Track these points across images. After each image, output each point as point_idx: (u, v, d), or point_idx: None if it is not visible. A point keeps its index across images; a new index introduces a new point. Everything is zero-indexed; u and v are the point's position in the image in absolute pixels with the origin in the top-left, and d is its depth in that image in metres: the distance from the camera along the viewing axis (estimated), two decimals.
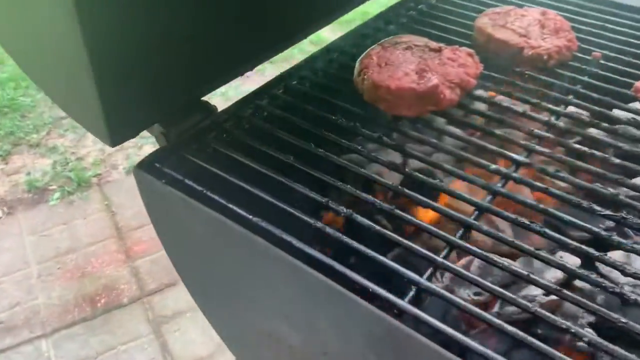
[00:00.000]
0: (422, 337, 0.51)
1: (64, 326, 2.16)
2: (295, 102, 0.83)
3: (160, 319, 2.17)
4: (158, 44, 0.67)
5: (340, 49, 0.94)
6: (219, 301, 0.78)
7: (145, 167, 0.70)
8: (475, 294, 0.79)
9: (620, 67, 0.88)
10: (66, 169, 2.61)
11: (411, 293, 0.57)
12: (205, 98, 0.80)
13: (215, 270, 0.73)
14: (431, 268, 0.60)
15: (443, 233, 0.63)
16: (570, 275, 0.61)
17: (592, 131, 0.78)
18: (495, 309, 0.78)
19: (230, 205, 0.65)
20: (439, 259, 0.60)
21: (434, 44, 0.86)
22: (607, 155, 0.72)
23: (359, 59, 0.83)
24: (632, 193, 0.74)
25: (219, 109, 0.81)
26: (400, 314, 0.55)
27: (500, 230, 0.83)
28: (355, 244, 0.60)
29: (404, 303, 0.55)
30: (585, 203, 0.66)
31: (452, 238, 0.62)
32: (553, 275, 0.77)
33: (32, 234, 2.35)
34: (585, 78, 0.87)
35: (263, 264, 0.62)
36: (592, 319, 0.79)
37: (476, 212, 0.67)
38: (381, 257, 0.59)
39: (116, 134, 0.69)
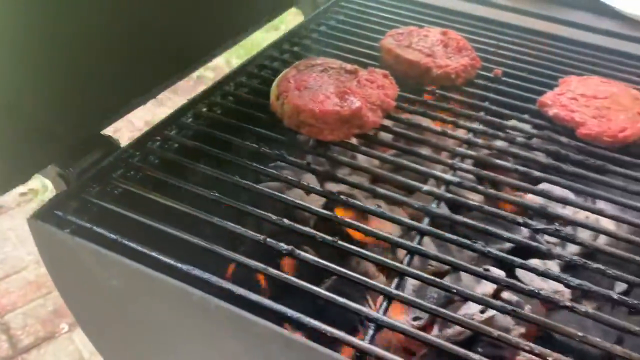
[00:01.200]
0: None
1: None
2: (207, 130, 0.76)
3: None
4: (46, 75, 0.58)
5: (247, 72, 0.89)
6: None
7: (43, 216, 0.59)
8: (414, 319, 0.77)
9: (520, 82, 0.92)
10: None
11: (371, 332, 0.53)
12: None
13: (136, 328, 0.63)
14: (386, 300, 0.56)
15: (386, 260, 0.60)
16: (502, 286, 0.60)
17: (502, 144, 0.80)
18: (435, 332, 0.76)
19: (153, 254, 0.56)
20: (393, 290, 0.57)
21: (349, 66, 0.83)
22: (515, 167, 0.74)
23: (275, 83, 0.78)
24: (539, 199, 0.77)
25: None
26: (361, 355, 0.51)
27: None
28: (297, 281, 0.55)
29: (365, 344, 0.51)
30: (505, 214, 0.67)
31: (392, 262, 0.60)
32: (483, 290, 0.78)
33: None
34: (492, 94, 0.89)
35: (201, 316, 0.55)
36: (523, 330, 0.81)
37: (418, 236, 0.64)
38: (327, 293, 0.54)
39: (1, 180, 0.58)
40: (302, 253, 0.58)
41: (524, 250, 0.68)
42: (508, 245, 0.76)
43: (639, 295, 0.64)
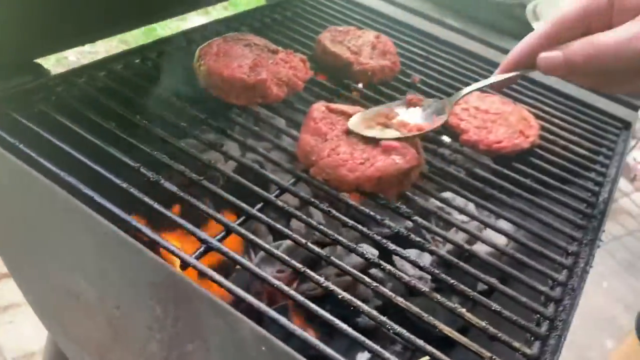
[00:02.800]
0: (199, 287, 0.56)
1: None
2: (135, 79, 0.86)
3: None
4: None
5: (190, 38, 1.00)
6: (26, 262, 0.78)
7: None
8: (278, 271, 0.86)
9: (430, 90, 1.01)
10: None
11: (200, 249, 0.62)
12: None
13: (22, 227, 0.74)
14: (224, 231, 0.65)
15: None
16: (369, 262, 0.66)
17: None
18: (294, 286, 0.86)
19: (40, 159, 0.66)
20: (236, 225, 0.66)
21: (272, 46, 0.93)
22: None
23: (199, 47, 0.88)
24: (438, 204, 0.85)
25: None
26: (184, 266, 0.60)
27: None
28: (146, 199, 0.64)
29: (188, 257, 0.60)
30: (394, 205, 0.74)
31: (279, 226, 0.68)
32: (352, 261, 0.86)
33: None
34: (402, 96, 0.98)
35: (64, 216, 0.65)
36: (379, 302, 0.89)
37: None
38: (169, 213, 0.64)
39: None
40: (167, 182, 0.68)
41: (403, 240, 0.73)
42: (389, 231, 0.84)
43: (497, 298, 0.73)
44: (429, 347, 0.58)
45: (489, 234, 0.93)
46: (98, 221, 0.60)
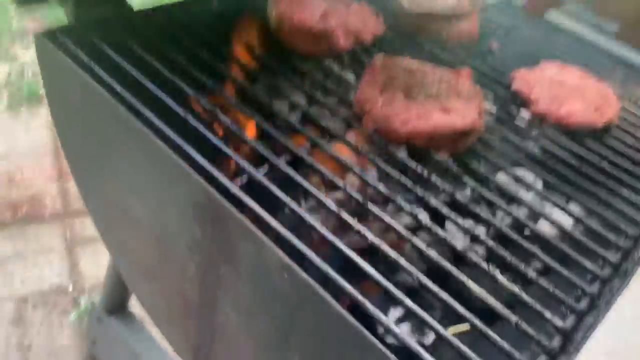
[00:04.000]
0: (233, 209, 0.58)
1: None
2: (212, 20, 0.89)
3: (77, 240, 2.20)
4: None
5: None
6: (94, 179, 0.84)
7: (50, 37, 0.75)
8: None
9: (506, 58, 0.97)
10: (21, 81, 2.61)
11: (244, 179, 0.64)
12: None
13: (90, 143, 0.79)
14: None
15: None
16: (418, 225, 0.67)
17: None
18: None
19: (109, 79, 0.70)
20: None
21: None
22: None
23: None
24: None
25: None
26: (224, 191, 0.62)
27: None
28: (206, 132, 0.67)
29: (233, 186, 0.62)
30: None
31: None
32: (400, 221, 0.86)
33: None
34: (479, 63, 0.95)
35: (125, 136, 0.69)
36: (423, 267, 0.88)
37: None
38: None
39: None
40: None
41: (459, 208, 0.71)
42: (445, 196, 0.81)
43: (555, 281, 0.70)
44: (469, 315, 0.57)
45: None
46: (153, 141, 0.63)
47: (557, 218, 0.71)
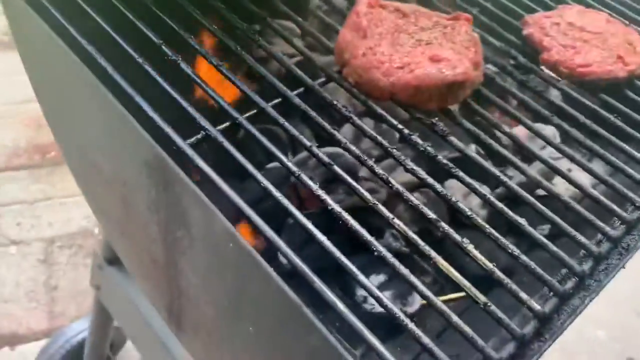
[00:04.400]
0: (182, 173, 0.53)
1: (10, 168, 2.23)
2: None
3: None
4: None
5: None
6: (65, 131, 0.81)
7: None
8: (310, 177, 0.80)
9: None
10: None
11: (199, 136, 0.59)
12: None
13: (56, 93, 0.75)
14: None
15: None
16: (420, 182, 0.60)
17: None
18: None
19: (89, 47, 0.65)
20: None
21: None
22: None
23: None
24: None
25: None
26: (178, 151, 0.57)
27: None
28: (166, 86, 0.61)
29: (183, 145, 0.57)
30: None
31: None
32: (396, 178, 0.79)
33: (2, 75, 2.37)
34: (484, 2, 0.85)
35: (80, 87, 0.64)
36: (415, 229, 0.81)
37: None
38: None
39: None
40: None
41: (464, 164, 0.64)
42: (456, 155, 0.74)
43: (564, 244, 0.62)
44: (465, 282, 0.51)
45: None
46: (103, 93, 0.58)
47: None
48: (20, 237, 1.98)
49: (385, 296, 0.49)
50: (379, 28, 0.68)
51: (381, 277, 0.76)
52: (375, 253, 0.51)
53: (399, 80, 0.64)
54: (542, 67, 0.75)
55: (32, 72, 0.78)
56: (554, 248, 0.54)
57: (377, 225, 0.72)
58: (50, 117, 0.81)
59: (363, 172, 0.82)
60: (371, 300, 0.71)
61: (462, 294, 0.51)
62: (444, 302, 0.51)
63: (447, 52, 0.66)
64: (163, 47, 0.66)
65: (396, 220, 0.54)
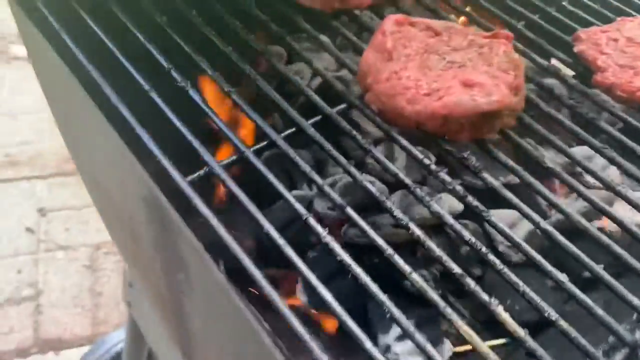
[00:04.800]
0: (176, 215, 0.49)
1: (61, 173, 2.27)
2: None
3: None
4: None
5: None
6: (75, 144, 0.78)
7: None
8: (329, 208, 0.75)
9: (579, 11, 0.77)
10: None
11: (201, 172, 0.54)
12: None
13: (63, 105, 0.72)
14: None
15: None
16: (443, 221, 0.53)
17: None
18: (344, 228, 0.74)
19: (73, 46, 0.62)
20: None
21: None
22: None
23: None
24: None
25: None
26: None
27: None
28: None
29: (182, 182, 0.52)
30: None
31: None
32: (423, 213, 0.72)
33: None
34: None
35: (87, 116, 0.61)
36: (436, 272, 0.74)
37: None
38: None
39: None
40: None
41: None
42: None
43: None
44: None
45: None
46: (107, 126, 0.55)
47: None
48: (68, 242, 2.01)
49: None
50: (406, 49, 0.62)
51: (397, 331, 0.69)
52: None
53: (425, 109, 0.57)
54: (596, 90, 0.66)
55: (42, 81, 0.76)
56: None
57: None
58: (65, 138, 0.79)
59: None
60: (395, 349, 0.65)
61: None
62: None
63: (481, 76, 0.58)
64: (172, 72, 0.62)
65: (414, 276, 0.48)
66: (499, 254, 0.69)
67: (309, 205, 0.75)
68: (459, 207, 0.71)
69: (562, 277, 0.49)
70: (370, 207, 0.72)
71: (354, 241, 0.69)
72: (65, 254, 1.98)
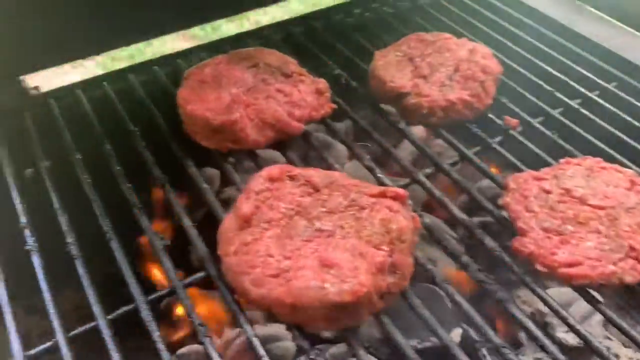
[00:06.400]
0: None
1: None
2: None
3: None
4: None
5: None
6: None
7: None
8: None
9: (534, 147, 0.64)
10: None
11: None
12: None
13: None
14: None
15: None
16: None
17: None
18: None
19: None
20: None
21: (290, 68, 0.70)
22: None
23: (188, 70, 0.71)
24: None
25: None
26: None
27: None
28: None
29: None
30: None
31: None
32: None
33: None
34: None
35: None
36: None
37: None
38: None
39: None
40: None
41: None
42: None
43: None
44: None
45: None
46: None
47: None
48: None
49: None
50: (272, 211, 0.53)
51: None
52: None
53: (269, 294, 0.47)
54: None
55: None
56: None
57: None
58: None
59: None
60: None
61: None
62: None
63: (342, 255, 0.48)
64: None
65: None
66: None
67: None
68: None
69: None
70: None
71: None
72: None
